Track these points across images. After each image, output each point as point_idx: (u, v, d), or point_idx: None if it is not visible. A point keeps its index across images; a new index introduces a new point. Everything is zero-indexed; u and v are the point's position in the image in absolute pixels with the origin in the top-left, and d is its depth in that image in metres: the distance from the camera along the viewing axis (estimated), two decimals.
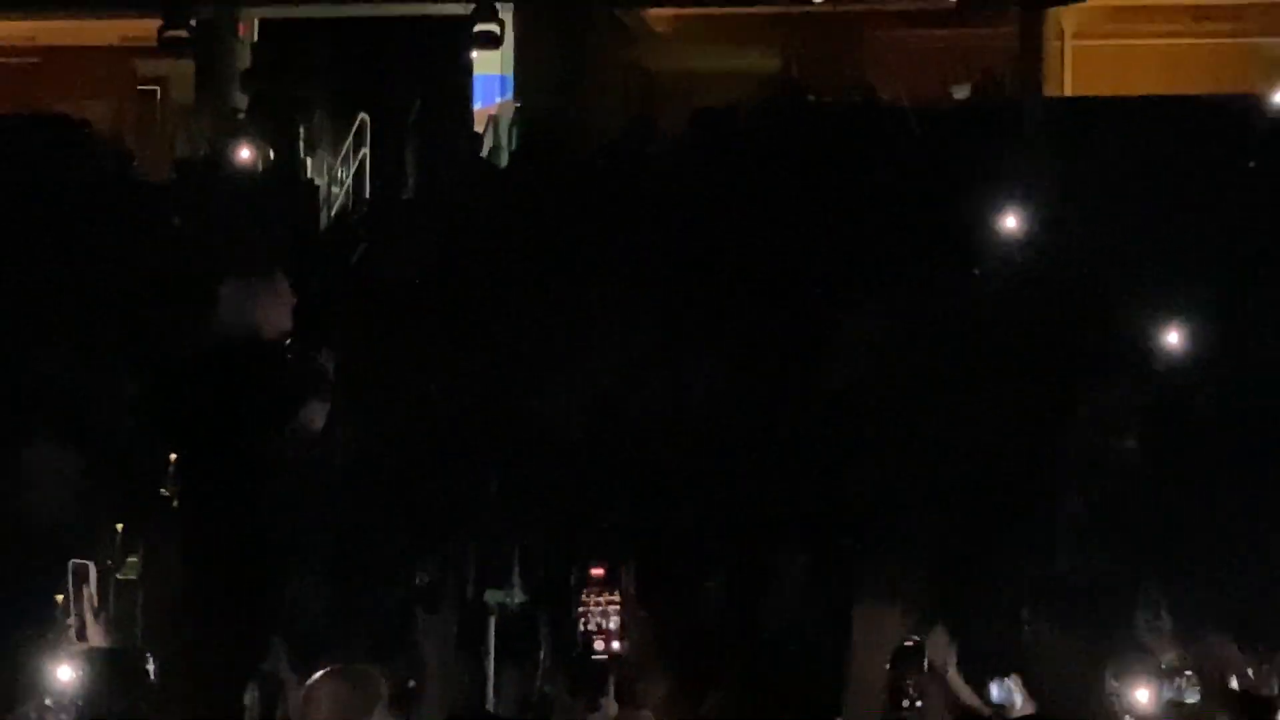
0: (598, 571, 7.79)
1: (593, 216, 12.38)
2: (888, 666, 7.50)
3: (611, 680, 7.80)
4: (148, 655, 8.28)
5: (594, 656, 7.50)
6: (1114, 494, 11.46)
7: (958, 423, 11.24)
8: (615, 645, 7.43)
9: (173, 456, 11.33)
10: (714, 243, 11.93)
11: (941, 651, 7.63)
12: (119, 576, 11.78)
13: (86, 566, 8.53)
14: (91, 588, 8.51)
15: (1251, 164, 12.74)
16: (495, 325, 11.78)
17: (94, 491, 12.59)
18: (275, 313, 8.99)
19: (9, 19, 17.87)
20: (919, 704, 7.37)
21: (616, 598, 7.67)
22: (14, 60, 18.42)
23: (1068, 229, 12.22)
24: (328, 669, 6.55)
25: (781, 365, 11.81)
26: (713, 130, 13.25)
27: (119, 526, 12.17)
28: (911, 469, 11.43)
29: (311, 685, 6.38)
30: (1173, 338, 11.97)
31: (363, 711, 6.23)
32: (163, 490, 11.08)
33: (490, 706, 10.21)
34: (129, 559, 12.04)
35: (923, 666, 7.49)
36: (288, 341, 9.85)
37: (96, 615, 8.56)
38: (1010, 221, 12.09)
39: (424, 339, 12.19)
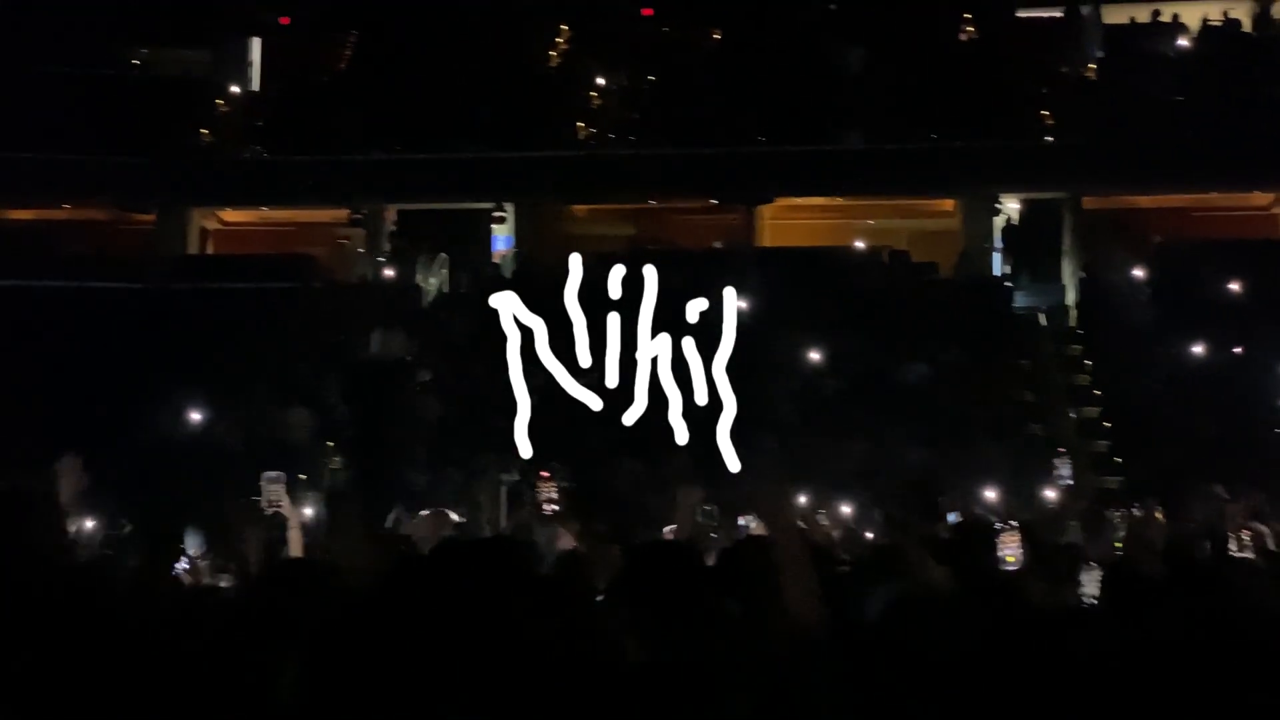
0: (544, 473, 11.16)
1: (544, 302, 24.12)
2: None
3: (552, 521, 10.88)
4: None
5: (543, 512, 10.78)
6: None
7: None
8: (554, 508, 10.52)
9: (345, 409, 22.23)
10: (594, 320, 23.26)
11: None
12: (330, 467, 19.53)
13: (280, 474, 9.43)
14: (280, 485, 9.28)
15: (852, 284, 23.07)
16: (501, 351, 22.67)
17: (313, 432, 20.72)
18: (398, 346, 21.46)
19: (276, 209, 28.36)
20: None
21: (554, 485, 10.91)
22: (283, 228, 28.42)
23: (761, 309, 21.94)
24: (428, 510, 11.10)
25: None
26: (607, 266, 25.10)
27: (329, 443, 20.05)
28: None
29: (419, 517, 10.23)
30: None
31: (441, 529, 10.05)
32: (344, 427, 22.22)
33: (503, 528, 12.47)
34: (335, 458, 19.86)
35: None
36: (409, 360, 21.26)
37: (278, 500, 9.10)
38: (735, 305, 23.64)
39: (475, 360, 20.84)
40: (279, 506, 9.13)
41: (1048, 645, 4.48)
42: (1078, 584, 7.81)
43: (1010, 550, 8.68)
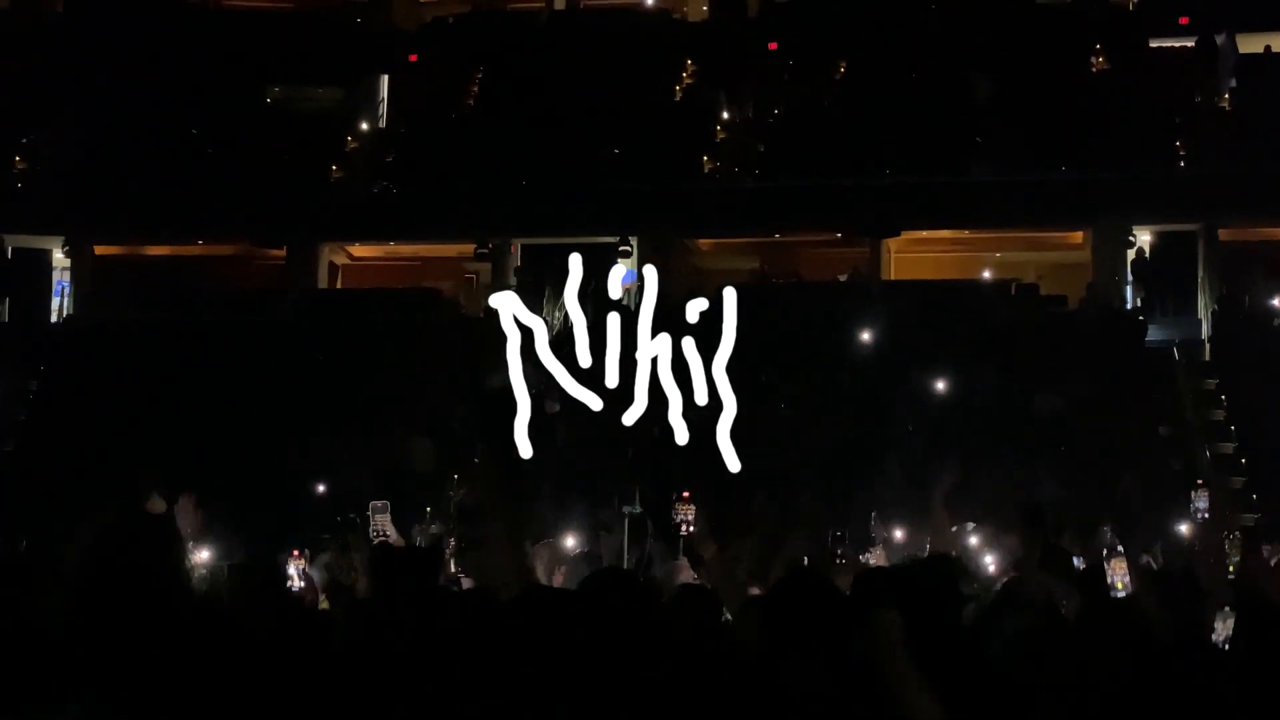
0: (684, 494, 10.41)
1: (672, 332, 24.23)
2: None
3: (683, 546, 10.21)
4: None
5: (680, 534, 10.03)
6: None
7: None
8: (691, 529, 9.78)
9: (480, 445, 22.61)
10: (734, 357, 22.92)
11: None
12: (455, 500, 18.89)
13: (385, 504, 9.63)
14: (386, 515, 9.51)
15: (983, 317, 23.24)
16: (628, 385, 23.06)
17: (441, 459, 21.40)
18: (533, 378, 21.65)
19: (404, 245, 28.76)
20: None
21: (692, 507, 10.06)
22: (406, 263, 29.12)
23: (889, 339, 22.33)
24: (544, 540, 10.70)
25: None
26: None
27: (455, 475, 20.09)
28: None
29: (537, 546, 9.73)
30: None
31: (556, 559, 9.91)
32: (475, 460, 22.57)
33: (625, 563, 11.94)
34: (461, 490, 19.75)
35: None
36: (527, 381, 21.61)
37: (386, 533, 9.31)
38: (864, 334, 22.40)
39: (598, 388, 23.21)
40: (385, 536, 9.28)
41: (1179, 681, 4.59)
42: (1204, 620, 7.68)
43: (1119, 577, 8.66)
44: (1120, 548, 9.52)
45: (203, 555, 10.19)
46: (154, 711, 3.79)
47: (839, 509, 15.68)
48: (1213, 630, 7.63)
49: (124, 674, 3.81)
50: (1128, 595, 8.55)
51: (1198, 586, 7.61)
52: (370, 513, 9.72)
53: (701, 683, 4.16)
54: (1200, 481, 16.80)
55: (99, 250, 29.00)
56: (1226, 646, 7.49)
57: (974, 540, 14.23)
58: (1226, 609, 8.36)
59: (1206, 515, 15.68)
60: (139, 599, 3.93)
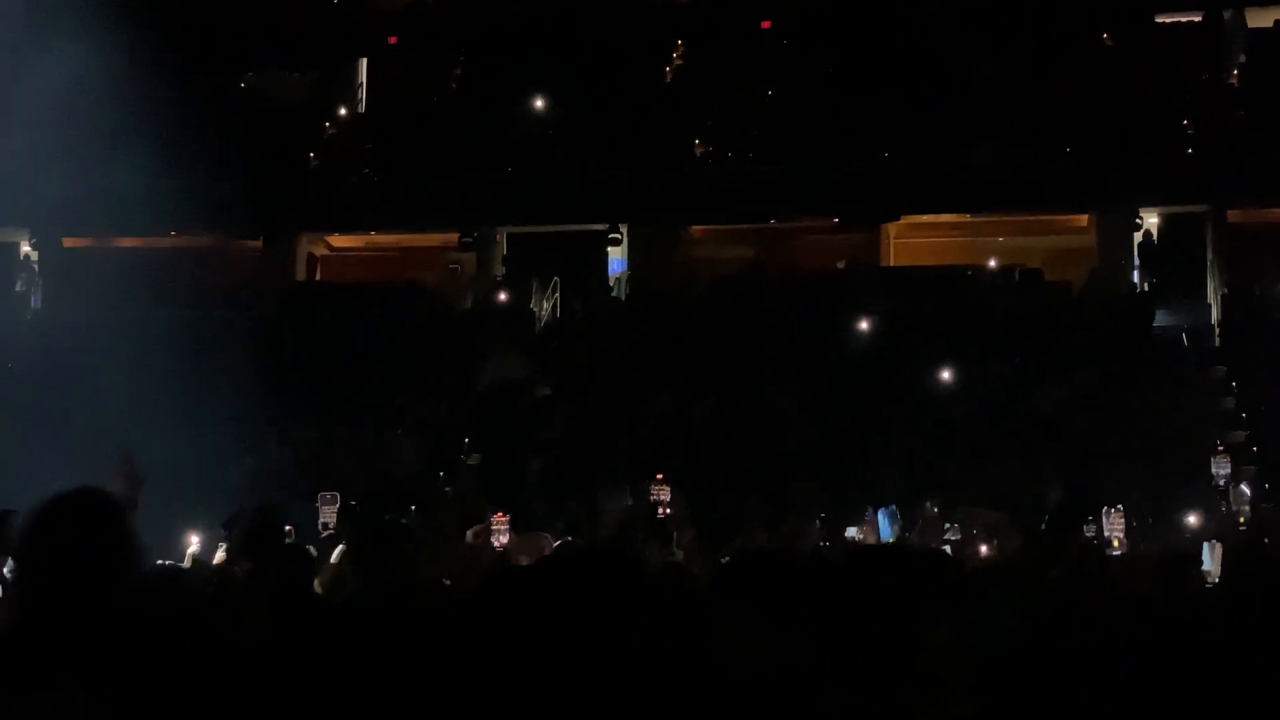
0: (659, 476, 11.97)
1: (663, 325, 23.99)
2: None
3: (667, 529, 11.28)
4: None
5: (658, 516, 11.44)
6: None
7: None
8: (667, 511, 11.07)
9: (466, 439, 22.81)
10: (718, 343, 22.83)
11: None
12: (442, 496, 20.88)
13: (335, 495, 9.97)
14: (334, 506, 9.79)
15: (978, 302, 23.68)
16: (616, 374, 22.40)
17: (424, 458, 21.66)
18: (515, 370, 21.86)
19: (385, 235, 29.05)
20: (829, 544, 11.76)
21: (668, 488, 11.50)
22: (387, 254, 29.28)
23: (889, 328, 22.71)
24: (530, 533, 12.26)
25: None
26: (726, 290, 25.08)
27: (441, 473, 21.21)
28: None
29: (523, 537, 10.36)
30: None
31: (541, 551, 9.82)
32: (462, 456, 22.87)
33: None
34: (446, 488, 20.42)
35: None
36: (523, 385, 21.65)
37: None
38: (861, 324, 22.86)
39: (590, 378, 22.42)
40: (332, 530, 9.63)
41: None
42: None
43: (1116, 532, 8.93)
44: (1120, 506, 9.63)
45: (192, 542, 10.30)
46: (113, 697, 3.82)
47: (834, 505, 15.74)
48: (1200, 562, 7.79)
49: (77, 657, 3.84)
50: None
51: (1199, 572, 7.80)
52: (319, 504, 9.82)
53: (678, 663, 4.22)
54: (1221, 447, 17.00)
55: (68, 243, 29.14)
56: (1214, 578, 7.72)
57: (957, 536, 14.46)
58: (1214, 541, 8.54)
59: (1229, 480, 15.86)
60: (82, 577, 3.95)
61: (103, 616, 3.90)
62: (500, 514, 10.50)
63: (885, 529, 12.25)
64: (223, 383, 22.27)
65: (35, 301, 28.60)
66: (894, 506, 12.67)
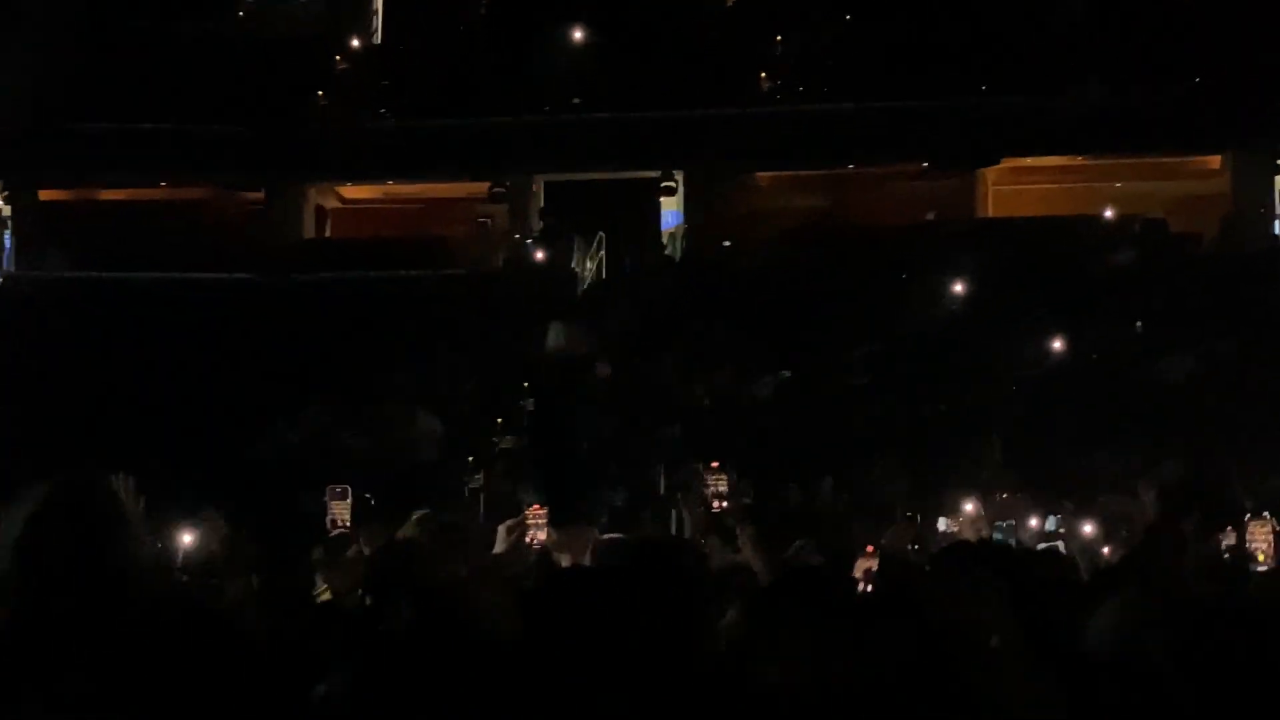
0: (714, 464, 9.84)
1: (724, 287, 23.84)
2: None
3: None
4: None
5: (713, 510, 9.64)
6: None
7: None
8: (723, 504, 9.56)
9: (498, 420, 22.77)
10: (785, 306, 22.57)
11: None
12: (470, 486, 19.51)
13: (345, 489, 9.83)
14: (345, 501, 9.70)
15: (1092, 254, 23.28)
16: (669, 346, 22.09)
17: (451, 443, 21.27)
18: (566, 341, 21.69)
19: (405, 185, 29.03)
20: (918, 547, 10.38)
21: (725, 478, 9.70)
22: (407, 206, 29.35)
23: (985, 291, 22.39)
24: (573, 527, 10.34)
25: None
26: (797, 246, 24.86)
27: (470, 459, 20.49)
28: None
29: (566, 532, 9.85)
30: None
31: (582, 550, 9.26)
32: (493, 439, 22.78)
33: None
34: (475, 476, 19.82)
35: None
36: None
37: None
38: (955, 287, 22.44)
39: (638, 359, 22.26)
40: (343, 527, 9.48)
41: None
42: None
43: (1260, 545, 8.78)
44: (1266, 514, 9.50)
45: (185, 540, 10.44)
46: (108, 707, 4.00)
47: (920, 498, 15.64)
48: None
49: (73, 665, 4.02)
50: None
51: None
52: (327, 499, 9.84)
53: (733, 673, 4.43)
54: None
55: (44, 196, 29.20)
56: None
57: (1088, 529, 14.36)
58: None
59: None
60: (84, 583, 4.15)
61: (98, 617, 4.11)
62: (536, 506, 10.37)
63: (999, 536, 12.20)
64: (219, 356, 22.64)
65: (6, 261, 28.62)
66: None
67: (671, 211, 27.73)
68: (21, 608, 4.15)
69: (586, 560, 9.37)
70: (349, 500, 10.06)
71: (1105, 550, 10.54)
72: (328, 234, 30.04)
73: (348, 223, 30.17)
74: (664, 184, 27.23)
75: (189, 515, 11.01)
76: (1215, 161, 27.27)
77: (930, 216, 26.19)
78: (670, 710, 4.19)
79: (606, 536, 10.73)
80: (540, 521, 9.78)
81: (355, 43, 29.68)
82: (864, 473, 18.32)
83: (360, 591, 8.27)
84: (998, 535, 11.79)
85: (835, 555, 10.56)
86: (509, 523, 9.91)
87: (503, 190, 27.62)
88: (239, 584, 8.26)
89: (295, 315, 24.10)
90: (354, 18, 29.99)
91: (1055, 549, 10.87)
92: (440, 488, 18.33)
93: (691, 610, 4.63)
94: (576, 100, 27.33)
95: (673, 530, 13.82)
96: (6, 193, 28.85)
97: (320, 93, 28.97)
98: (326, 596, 8.71)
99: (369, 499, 11.21)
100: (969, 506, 13.47)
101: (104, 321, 23.87)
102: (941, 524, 13.23)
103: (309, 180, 29.08)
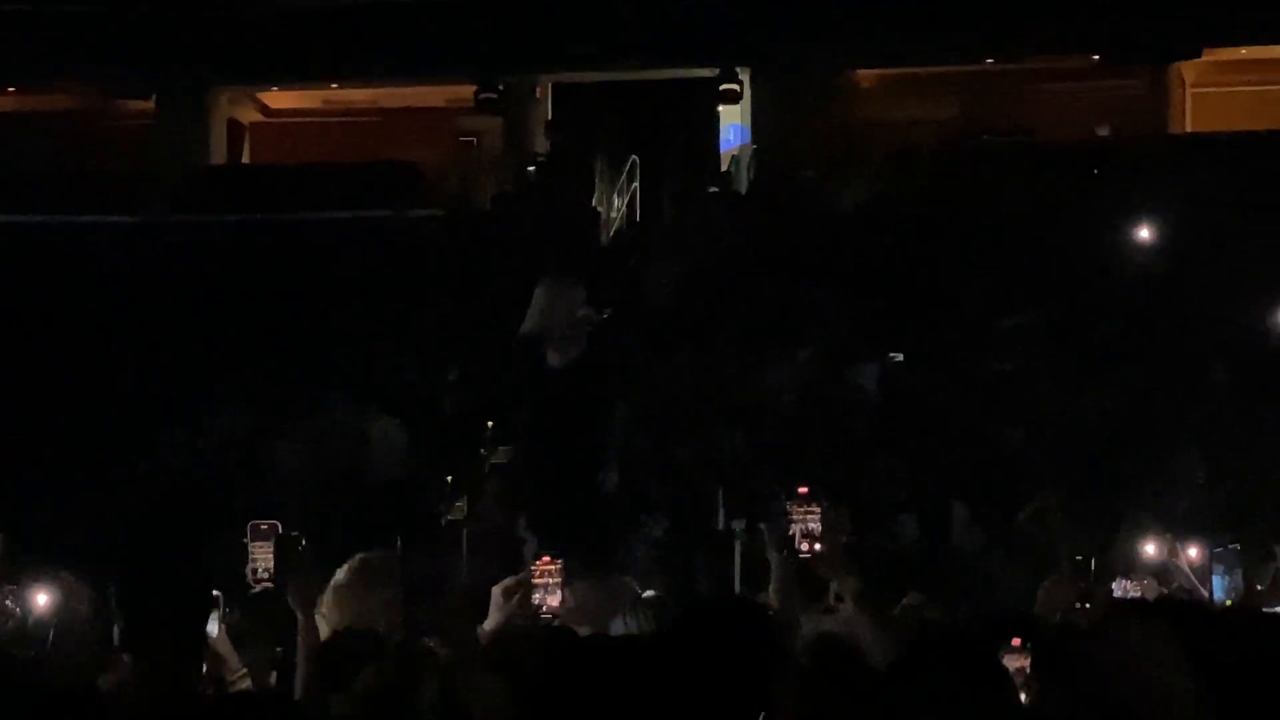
0: (802, 490, 9.86)
1: (811, 233, 23.26)
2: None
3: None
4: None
5: (801, 555, 9.68)
6: None
7: None
8: (816, 546, 9.61)
9: (489, 424, 22.56)
10: (898, 259, 22.21)
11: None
12: (448, 518, 18.71)
13: (273, 525, 9.93)
14: (269, 544, 9.75)
15: None
16: (729, 317, 21.63)
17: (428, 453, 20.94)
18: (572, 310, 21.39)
19: (353, 87, 28.93)
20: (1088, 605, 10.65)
21: (816, 509, 9.75)
22: (360, 119, 29.40)
23: (1185, 237, 22.21)
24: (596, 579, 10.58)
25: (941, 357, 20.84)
26: (915, 173, 24.08)
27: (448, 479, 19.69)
28: None
29: (587, 585, 10.24)
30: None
31: (613, 605, 9.99)
32: (481, 450, 22.46)
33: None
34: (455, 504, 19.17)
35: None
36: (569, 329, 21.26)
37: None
38: (1140, 231, 22.23)
39: (679, 325, 21.79)
40: (265, 580, 9.52)
41: None
42: None
43: None
44: None
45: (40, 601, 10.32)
46: None
47: (1093, 527, 15.62)
48: None
49: None
50: None
51: None
52: (248, 538, 9.76)
53: None
54: None
55: None
56: None
57: None
58: None
59: None
60: None
61: None
62: (546, 559, 10.32)
63: (1219, 585, 12.13)
64: (94, 333, 22.78)
65: None
66: (1234, 546, 12.57)
67: (734, 125, 27.92)
68: None
69: (616, 628, 9.33)
70: (272, 541, 10.01)
71: None
72: (245, 158, 30.38)
73: (273, 142, 30.53)
74: (724, 87, 27.17)
75: (44, 566, 10.55)
76: None
77: (1104, 131, 26.31)
78: None
79: (647, 594, 10.63)
80: (553, 580, 9.69)
81: None
82: (1009, 498, 18.08)
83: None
84: (1218, 591, 11.74)
85: (972, 619, 10.55)
86: (507, 583, 9.83)
87: (495, 96, 27.66)
88: (116, 667, 8.21)
89: (199, 273, 24.06)
90: None
91: None
92: (405, 519, 18.29)
93: (771, 707, 4.85)
94: None
95: (736, 583, 13.99)
96: None
97: None
98: (244, 685, 9.02)
99: (298, 539, 11.17)
100: (1156, 549, 13.43)
101: None
102: (1117, 587, 13.34)
103: (217, 82, 29.27)
